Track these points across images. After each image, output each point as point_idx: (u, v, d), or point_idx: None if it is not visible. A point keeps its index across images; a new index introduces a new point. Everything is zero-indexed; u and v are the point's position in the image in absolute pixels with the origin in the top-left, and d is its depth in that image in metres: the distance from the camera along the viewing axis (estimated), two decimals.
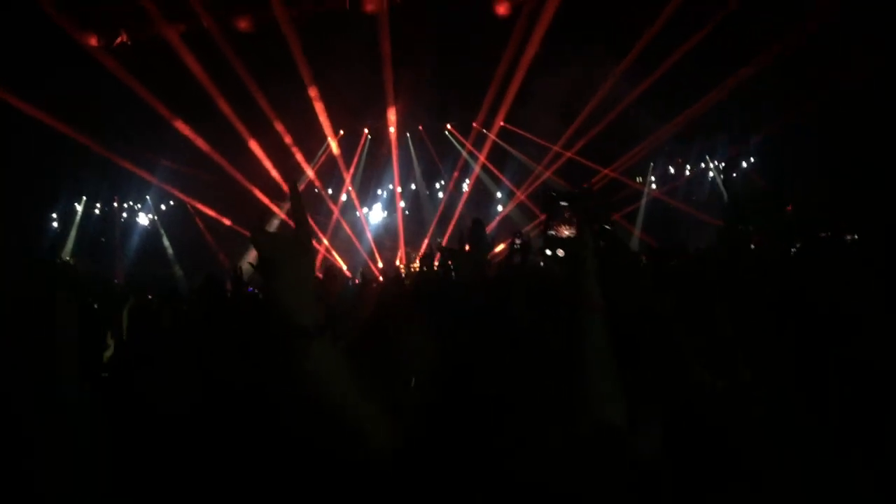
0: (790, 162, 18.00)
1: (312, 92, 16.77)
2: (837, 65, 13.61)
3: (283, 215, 20.49)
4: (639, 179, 22.63)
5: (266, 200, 20.18)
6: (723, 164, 22.92)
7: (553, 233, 2.14)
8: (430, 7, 14.39)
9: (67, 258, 20.28)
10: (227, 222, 20.85)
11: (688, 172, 23.50)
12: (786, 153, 18.10)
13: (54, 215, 21.07)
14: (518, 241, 3.73)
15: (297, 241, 1.47)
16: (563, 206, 2.14)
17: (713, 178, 23.14)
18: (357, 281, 14.22)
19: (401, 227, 22.54)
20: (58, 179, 19.50)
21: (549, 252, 2.10)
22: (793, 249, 5.09)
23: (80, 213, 21.80)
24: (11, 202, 15.12)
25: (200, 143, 17.26)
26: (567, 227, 2.11)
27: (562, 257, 2.09)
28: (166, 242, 23.00)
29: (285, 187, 20.27)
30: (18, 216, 16.07)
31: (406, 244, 22.22)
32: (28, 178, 15.80)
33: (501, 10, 14.42)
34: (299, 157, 19.91)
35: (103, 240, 22.67)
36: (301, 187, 20.32)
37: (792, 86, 14.95)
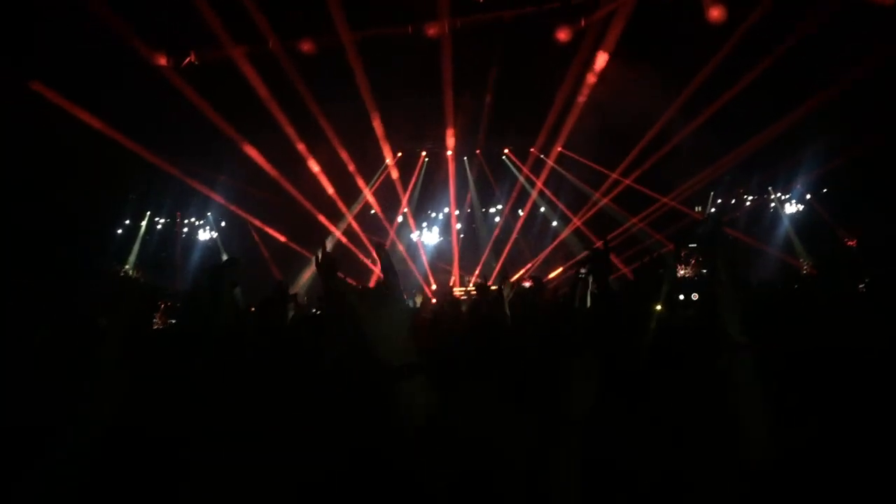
0: (857, 193, 17.49)
1: (373, 113, 16.96)
2: None
3: (339, 234, 20.70)
4: (698, 209, 22.24)
5: (323, 220, 20.40)
6: (786, 196, 22.41)
7: (681, 274, 2.14)
8: (491, 33, 14.48)
9: (130, 270, 20.77)
10: (283, 239, 21.13)
11: (748, 203, 23.06)
12: (852, 184, 17.60)
13: (119, 231, 21.55)
14: (583, 272, 3.68)
15: (386, 294, 1.67)
16: (692, 247, 2.12)
17: (775, 208, 22.64)
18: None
19: (455, 250, 22.52)
20: (124, 195, 20.04)
21: (682, 297, 2.09)
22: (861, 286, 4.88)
23: (143, 227, 22.31)
24: (79, 217, 15.56)
25: (262, 161, 17.60)
26: (682, 268, 2.09)
27: (696, 300, 2.08)
28: (225, 258, 23.26)
29: (344, 209, 20.53)
30: (86, 230, 16.52)
31: (460, 267, 22.20)
32: (96, 194, 16.25)
33: (562, 36, 14.42)
34: (357, 177, 20.12)
35: (164, 254, 23.14)
36: (358, 208, 20.60)
37: (860, 116, 14.56)
